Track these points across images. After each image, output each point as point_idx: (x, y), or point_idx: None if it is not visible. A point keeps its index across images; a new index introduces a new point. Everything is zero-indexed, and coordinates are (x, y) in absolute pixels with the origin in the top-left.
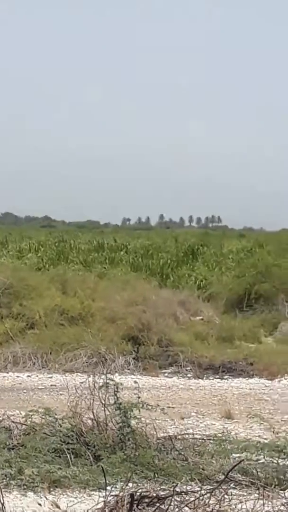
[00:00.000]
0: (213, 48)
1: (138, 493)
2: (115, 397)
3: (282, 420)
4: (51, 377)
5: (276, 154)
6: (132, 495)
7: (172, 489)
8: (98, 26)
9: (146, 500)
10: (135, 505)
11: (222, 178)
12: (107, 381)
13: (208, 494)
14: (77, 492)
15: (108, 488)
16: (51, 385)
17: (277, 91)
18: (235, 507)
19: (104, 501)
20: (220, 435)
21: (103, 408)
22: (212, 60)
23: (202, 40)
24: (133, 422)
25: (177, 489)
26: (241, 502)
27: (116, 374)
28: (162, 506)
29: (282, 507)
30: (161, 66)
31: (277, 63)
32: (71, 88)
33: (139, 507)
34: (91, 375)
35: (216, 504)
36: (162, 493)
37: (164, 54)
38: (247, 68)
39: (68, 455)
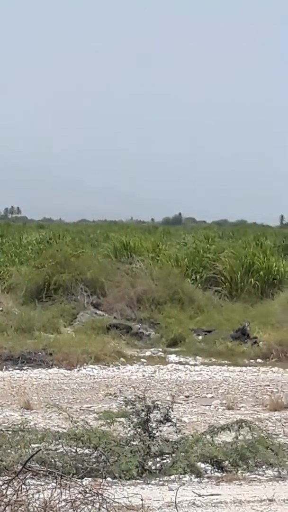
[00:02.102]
0: None
1: None
2: None
3: (80, 409)
4: None
5: (76, 141)
6: None
7: None
8: None
9: None
10: None
11: (22, 167)
12: None
13: (5, 485)
14: None
15: None
16: None
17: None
18: (33, 497)
19: None
20: (19, 425)
21: None
22: None
23: None
24: None
25: None
26: (38, 492)
27: None
28: None
29: (79, 495)
30: None
31: None
32: None
33: None
34: None
35: (13, 494)
36: None
37: None
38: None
39: None
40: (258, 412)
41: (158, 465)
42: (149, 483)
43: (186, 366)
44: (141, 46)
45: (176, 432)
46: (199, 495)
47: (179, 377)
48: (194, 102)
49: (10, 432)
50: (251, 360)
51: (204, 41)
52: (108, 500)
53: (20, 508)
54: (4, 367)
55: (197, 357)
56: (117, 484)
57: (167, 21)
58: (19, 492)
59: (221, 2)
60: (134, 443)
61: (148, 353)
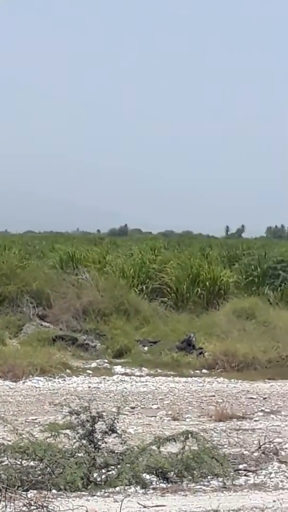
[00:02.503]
0: None
1: None
2: None
3: (26, 422)
4: None
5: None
6: None
7: None
8: None
9: None
10: None
11: None
12: None
13: None
14: None
15: None
16: None
17: None
18: None
19: None
20: None
21: None
22: None
23: None
24: None
25: None
26: None
27: None
28: None
29: (24, 508)
30: None
31: None
32: None
33: None
34: None
35: None
36: None
37: None
38: None
39: None
40: (203, 422)
41: (103, 476)
42: (94, 495)
43: (132, 377)
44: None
45: (121, 443)
46: (144, 506)
47: (125, 388)
48: (142, 114)
49: None
50: (197, 371)
51: None
52: None
53: None
54: None
55: (143, 368)
56: (62, 496)
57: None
58: None
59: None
60: (80, 454)
61: (94, 364)
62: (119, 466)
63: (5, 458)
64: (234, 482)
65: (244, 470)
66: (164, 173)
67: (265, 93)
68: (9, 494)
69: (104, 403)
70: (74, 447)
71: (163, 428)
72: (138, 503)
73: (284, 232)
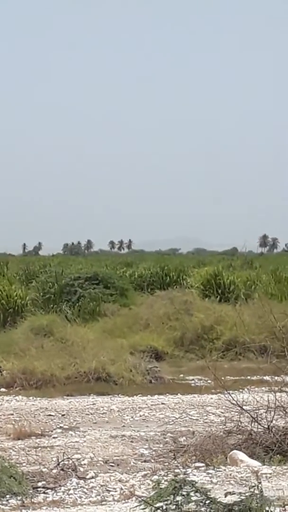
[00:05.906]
0: None
1: None
2: None
3: None
4: None
5: None
6: None
7: None
8: None
9: None
10: None
11: None
12: None
13: None
14: None
15: None
16: None
17: None
18: None
19: None
20: None
21: None
22: None
23: None
24: None
25: None
26: None
27: None
28: None
29: None
30: None
31: None
32: None
33: None
34: None
35: None
36: None
37: None
38: None
39: None
40: (1, 441)
41: None
42: None
43: None
44: None
45: None
46: None
47: None
48: None
49: None
50: None
51: None
52: None
53: None
54: None
55: None
56: None
57: None
58: None
59: None
60: None
61: None
62: None
63: None
64: (32, 500)
65: (43, 487)
66: None
67: None
68: None
69: None
70: None
71: None
72: None
73: (81, 248)
